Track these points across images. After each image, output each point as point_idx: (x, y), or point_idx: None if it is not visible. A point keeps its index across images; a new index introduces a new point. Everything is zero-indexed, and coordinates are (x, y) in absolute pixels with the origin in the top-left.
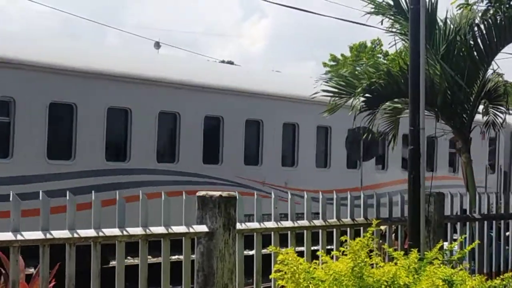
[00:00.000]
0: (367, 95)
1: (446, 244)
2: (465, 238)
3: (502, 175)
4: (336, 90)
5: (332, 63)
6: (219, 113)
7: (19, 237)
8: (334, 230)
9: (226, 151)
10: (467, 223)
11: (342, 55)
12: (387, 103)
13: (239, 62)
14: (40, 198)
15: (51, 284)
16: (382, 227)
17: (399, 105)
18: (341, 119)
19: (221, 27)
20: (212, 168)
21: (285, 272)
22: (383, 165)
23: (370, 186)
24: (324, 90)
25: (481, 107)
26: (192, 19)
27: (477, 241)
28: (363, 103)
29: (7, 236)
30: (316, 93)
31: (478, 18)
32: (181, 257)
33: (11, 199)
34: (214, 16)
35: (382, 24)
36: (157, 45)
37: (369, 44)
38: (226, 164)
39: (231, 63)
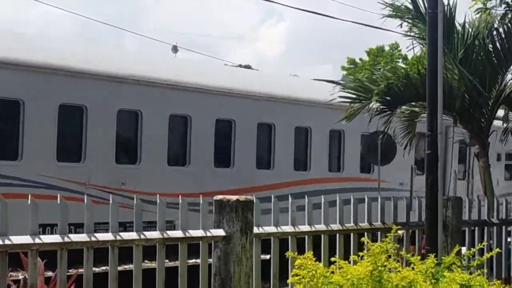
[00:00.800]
0: (385, 97)
1: (463, 249)
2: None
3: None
4: (353, 95)
5: (350, 66)
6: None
7: (37, 241)
8: (352, 234)
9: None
10: (485, 228)
11: (360, 59)
12: (404, 107)
13: (256, 66)
14: (58, 201)
15: None
16: (400, 232)
17: (416, 109)
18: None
19: (238, 31)
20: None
21: (303, 277)
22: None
23: (249, 188)
24: (341, 96)
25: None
26: (210, 23)
27: (496, 250)
28: (381, 105)
29: (25, 239)
30: (333, 99)
31: (497, 22)
32: (198, 261)
33: (29, 202)
34: (231, 20)
35: (401, 27)
36: (175, 49)
37: (387, 48)
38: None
39: (248, 67)
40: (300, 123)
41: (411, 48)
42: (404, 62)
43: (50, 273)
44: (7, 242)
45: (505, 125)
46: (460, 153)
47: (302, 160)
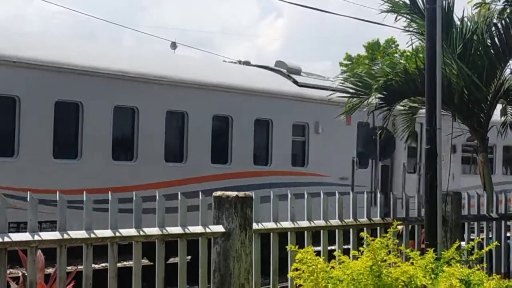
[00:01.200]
0: (383, 92)
1: (463, 244)
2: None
3: (378, 170)
4: (352, 90)
5: (347, 62)
6: None
7: (36, 238)
8: (351, 229)
9: None
10: (484, 223)
11: (358, 55)
12: (403, 102)
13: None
14: (58, 198)
15: (70, 285)
16: (399, 227)
17: (416, 104)
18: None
19: (237, 27)
20: None
21: (303, 271)
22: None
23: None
24: (339, 91)
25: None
26: (208, 19)
27: (495, 243)
28: (380, 100)
29: (25, 236)
30: (332, 93)
31: (496, 17)
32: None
33: (28, 199)
34: (230, 16)
35: (395, 21)
36: (174, 45)
37: (382, 43)
38: None
39: (247, 63)
40: (219, 111)
41: (410, 44)
42: (401, 57)
43: (50, 270)
44: (6, 239)
45: (503, 118)
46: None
47: (222, 152)
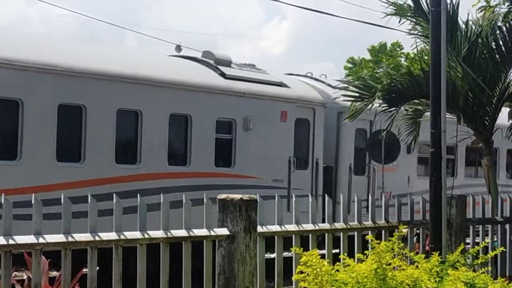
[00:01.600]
0: (387, 95)
1: (468, 247)
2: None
3: (319, 171)
4: (356, 94)
5: (350, 65)
6: None
7: (41, 240)
8: (356, 233)
9: None
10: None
11: (362, 58)
12: (407, 105)
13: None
14: (62, 202)
15: None
16: (404, 230)
17: (420, 107)
18: None
19: (241, 29)
20: None
21: (308, 274)
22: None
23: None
24: (344, 95)
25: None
26: (212, 21)
27: (501, 248)
28: (384, 103)
29: (30, 239)
30: (337, 97)
31: (500, 21)
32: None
33: (33, 202)
34: (234, 19)
35: (399, 23)
36: (178, 48)
37: (389, 46)
38: None
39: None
40: (126, 105)
41: (415, 47)
42: (406, 60)
43: (54, 273)
44: (11, 242)
45: (510, 121)
46: (358, 143)
47: (129, 151)
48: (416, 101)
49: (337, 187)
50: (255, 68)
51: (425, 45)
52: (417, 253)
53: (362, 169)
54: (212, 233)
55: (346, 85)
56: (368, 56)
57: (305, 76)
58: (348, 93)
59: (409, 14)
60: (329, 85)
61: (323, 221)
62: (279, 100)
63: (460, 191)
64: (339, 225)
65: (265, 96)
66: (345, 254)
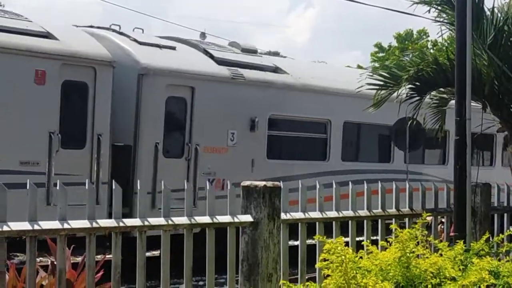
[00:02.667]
0: (414, 83)
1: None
2: None
3: (104, 151)
4: (381, 82)
5: (378, 53)
6: None
7: (65, 226)
8: (379, 220)
9: None
10: None
11: (389, 45)
12: (433, 93)
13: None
14: (87, 187)
15: (99, 274)
16: (428, 218)
17: (445, 95)
18: None
19: (266, 17)
20: None
21: (331, 262)
22: None
23: None
24: (369, 83)
25: None
26: (237, 9)
27: None
28: (410, 91)
29: (54, 224)
30: (361, 86)
31: None
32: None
33: (58, 187)
34: (259, 6)
35: (429, 13)
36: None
37: (415, 33)
38: None
39: (276, 54)
40: None
41: (440, 35)
42: (433, 47)
43: (78, 259)
44: (36, 227)
45: None
46: (173, 116)
47: None
48: (441, 89)
49: (136, 172)
50: (14, 14)
51: (451, 32)
52: (441, 241)
53: (180, 149)
54: (236, 220)
55: (156, 43)
56: (394, 43)
57: (108, 28)
58: (372, 81)
59: (434, 2)
60: (136, 40)
61: (110, 216)
62: (32, 55)
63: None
64: (363, 212)
65: (10, 50)
66: (369, 241)
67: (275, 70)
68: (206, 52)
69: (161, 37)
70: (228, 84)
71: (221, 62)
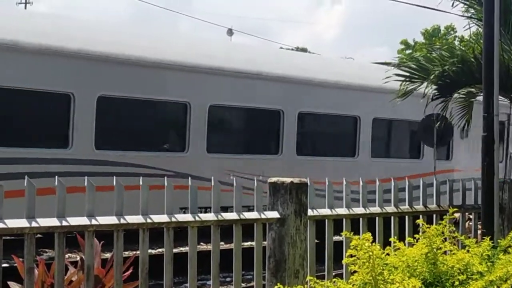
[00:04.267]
0: (439, 82)
1: None
2: None
3: None
4: (408, 74)
5: (405, 49)
6: None
7: (93, 222)
8: (406, 217)
9: None
10: None
11: (414, 41)
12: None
13: (312, 49)
14: (114, 183)
15: (128, 272)
16: (456, 215)
17: (473, 90)
18: None
19: (294, 14)
20: None
21: (358, 258)
22: None
23: None
24: (396, 74)
25: None
26: (265, 6)
27: None
28: (436, 91)
29: (82, 220)
30: (388, 76)
31: None
32: (252, 243)
33: (85, 183)
34: (287, 3)
35: (452, 6)
36: (230, 32)
37: (442, 29)
38: None
39: (304, 50)
40: None
41: (467, 29)
42: (460, 43)
43: (107, 255)
44: (64, 223)
45: None
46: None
47: None
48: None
49: None
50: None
51: (478, 27)
52: (469, 237)
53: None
54: (263, 216)
55: None
56: (421, 40)
57: None
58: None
59: None
60: None
61: None
62: None
63: None
64: (390, 209)
65: None
66: (396, 237)
67: None
68: None
69: None
70: None
71: None
